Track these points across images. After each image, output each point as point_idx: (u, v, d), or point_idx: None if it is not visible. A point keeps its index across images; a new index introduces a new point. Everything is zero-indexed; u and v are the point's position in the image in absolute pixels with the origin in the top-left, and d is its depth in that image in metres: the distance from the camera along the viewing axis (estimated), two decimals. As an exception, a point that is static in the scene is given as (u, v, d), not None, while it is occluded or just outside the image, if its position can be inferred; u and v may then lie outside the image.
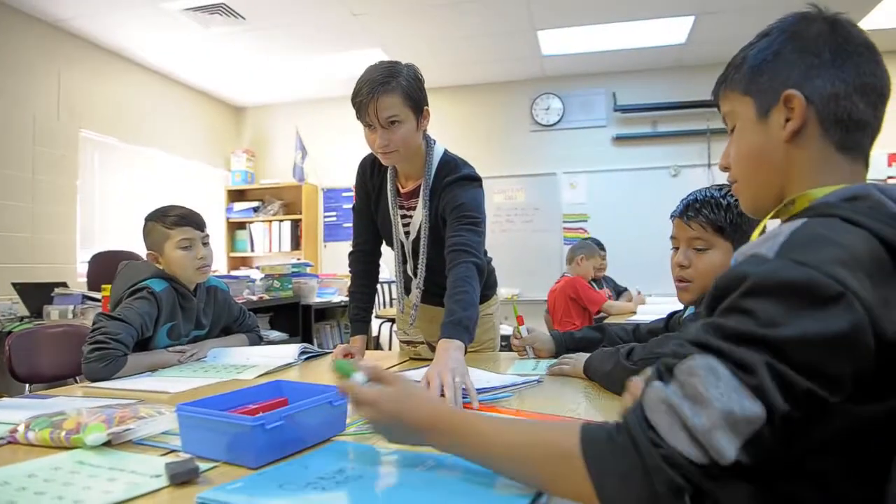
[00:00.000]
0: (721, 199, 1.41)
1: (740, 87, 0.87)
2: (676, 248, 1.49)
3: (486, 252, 1.85)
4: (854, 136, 0.80)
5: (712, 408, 0.62)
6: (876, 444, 0.64)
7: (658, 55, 5.54)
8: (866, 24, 4.63)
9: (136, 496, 0.81)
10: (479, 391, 1.37)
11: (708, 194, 1.44)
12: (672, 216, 1.50)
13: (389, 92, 1.68)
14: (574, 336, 1.88)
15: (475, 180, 1.88)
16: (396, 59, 1.82)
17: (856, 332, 0.61)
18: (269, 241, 6.39)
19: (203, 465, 0.89)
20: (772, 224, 0.82)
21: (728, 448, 0.61)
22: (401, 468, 0.90)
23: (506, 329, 5.51)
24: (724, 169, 0.92)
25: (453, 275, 1.69)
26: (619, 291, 5.10)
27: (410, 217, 1.95)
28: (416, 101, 1.74)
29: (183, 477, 0.84)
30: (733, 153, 0.89)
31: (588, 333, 1.86)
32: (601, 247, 4.92)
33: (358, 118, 1.74)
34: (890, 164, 5.28)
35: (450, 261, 1.73)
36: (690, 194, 1.49)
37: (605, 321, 3.82)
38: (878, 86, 0.80)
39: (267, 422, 0.90)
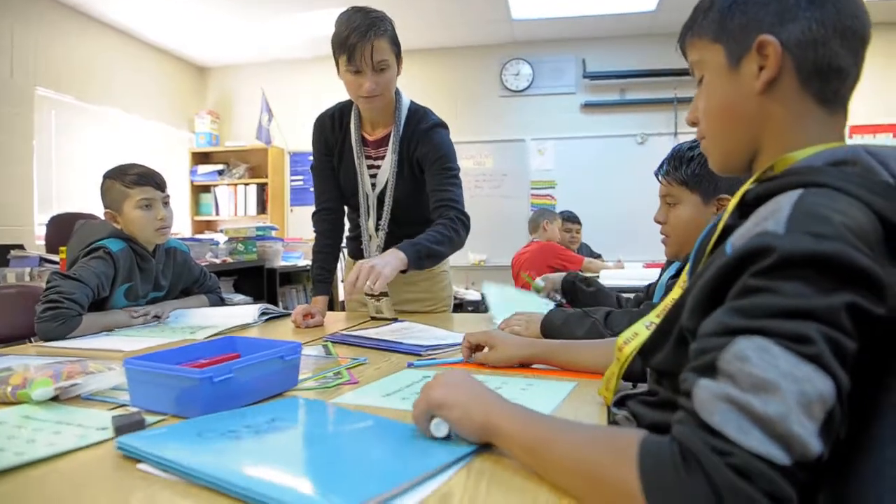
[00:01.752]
0: (685, 153, 1.47)
1: (709, 34, 0.79)
2: None
3: None
4: (833, 86, 0.73)
5: (782, 391, 0.53)
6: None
7: (628, 22, 5.51)
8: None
9: (80, 447, 0.80)
10: (433, 348, 1.41)
11: (675, 149, 1.52)
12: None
13: (381, 36, 1.74)
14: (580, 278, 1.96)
15: (447, 127, 1.99)
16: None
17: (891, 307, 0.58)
18: (234, 205, 6.28)
19: (150, 419, 0.89)
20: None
21: (810, 437, 0.52)
22: (335, 424, 0.89)
23: (474, 294, 5.56)
24: (692, 124, 0.85)
25: (437, 224, 1.81)
26: (594, 257, 5.18)
27: (378, 167, 1.96)
28: (399, 46, 1.82)
29: (129, 429, 0.83)
30: (702, 107, 0.82)
31: (598, 284, 1.94)
32: (576, 220, 4.97)
33: (347, 62, 1.76)
34: (851, 136, 5.39)
35: (438, 215, 1.84)
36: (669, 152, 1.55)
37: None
38: (859, 29, 0.73)
39: (215, 375, 0.90)
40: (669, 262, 1.70)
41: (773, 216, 0.62)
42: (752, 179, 0.77)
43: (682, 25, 0.85)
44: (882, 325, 0.58)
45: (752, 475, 0.51)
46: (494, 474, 0.70)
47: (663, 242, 1.57)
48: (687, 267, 0.86)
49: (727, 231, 0.71)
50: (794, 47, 0.72)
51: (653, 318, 0.87)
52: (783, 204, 0.63)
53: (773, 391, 0.53)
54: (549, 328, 1.46)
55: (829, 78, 0.73)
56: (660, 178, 1.53)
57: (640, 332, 0.88)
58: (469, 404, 0.75)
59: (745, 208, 0.71)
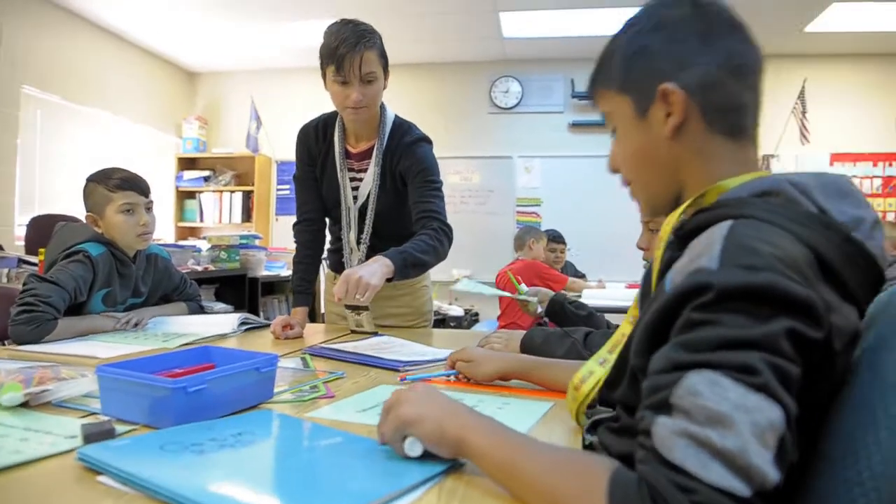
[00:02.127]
0: None
1: (615, 85, 0.82)
2: None
3: None
4: (735, 120, 0.78)
5: (736, 423, 0.54)
6: None
7: (617, 44, 5.57)
8: (816, 26, 4.74)
9: (46, 456, 0.79)
10: (412, 363, 1.40)
11: None
12: None
13: (370, 48, 1.75)
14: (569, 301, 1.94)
15: (430, 142, 2.00)
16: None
17: (828, 332, 0.60)
18: (219, 212, 6.24)
19: (121, 428, 0.88)
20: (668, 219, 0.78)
21: (768, 466, 0.53)
22: (304, 439, 0.88)
23: (457, 310, 5.55)
24: (614, 171, 0.88)
25: (421, 234, 1.82)
26: (578, 276, 5.19)
27: (360, 180, 1.96)
28: (386, 60, 1.83)
29: (98, 438, 0.82)
30: (620, 156, 0.86)
31: (588, 308, 1.93)
32: (561, 240, 4.98)
33: (335, 72, 1.77)
34: (832, 164, 5.46)
35: (421, 226, 1.85)
36: None
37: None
38: (751, 64, 0.78)
39: (189, 385, 0.89)
40: None
41: (707, 252, 0.64)
42: (681, 209, 0.78)
43: (590, 77, 0.87)
44: (820, 348, 0.60)
45: None
46: (466, 495, 0.70)
47: (646, 269, 1.56)
48: (636, 300, 0.86)
49: (669, 263, 0.72)
50: (695, 91, 0.76)
51: (604, 354, 0.87)
52: (715, 238, 0.65)
53: (728, 425, 0.54)
54: (529, 346, 1.46)
55: (730, 114, 0.77)
56: None
57: (594, 370, 0.87)
58: (443, 418, 0.74)
59: (682, 240, 0.73)
